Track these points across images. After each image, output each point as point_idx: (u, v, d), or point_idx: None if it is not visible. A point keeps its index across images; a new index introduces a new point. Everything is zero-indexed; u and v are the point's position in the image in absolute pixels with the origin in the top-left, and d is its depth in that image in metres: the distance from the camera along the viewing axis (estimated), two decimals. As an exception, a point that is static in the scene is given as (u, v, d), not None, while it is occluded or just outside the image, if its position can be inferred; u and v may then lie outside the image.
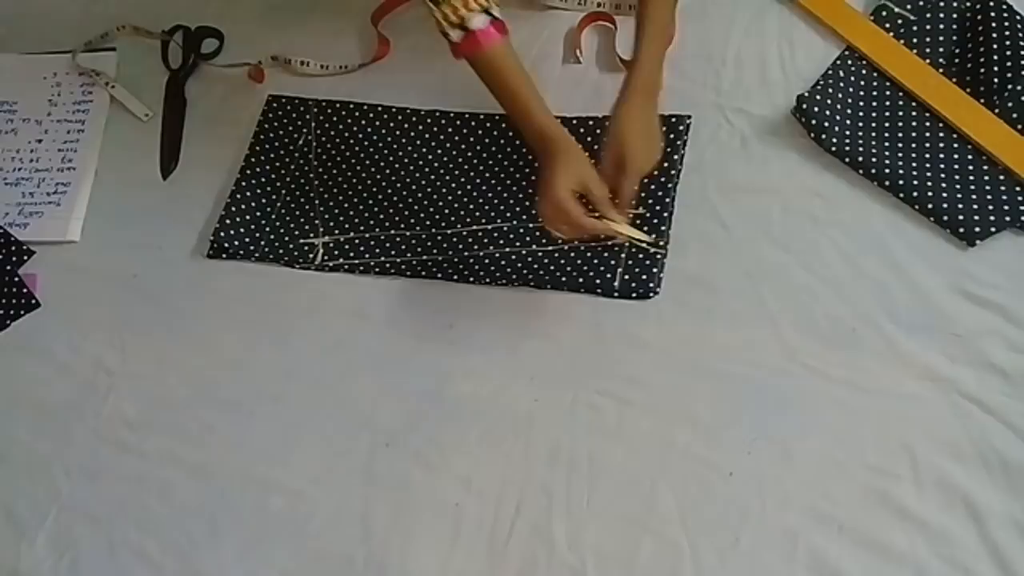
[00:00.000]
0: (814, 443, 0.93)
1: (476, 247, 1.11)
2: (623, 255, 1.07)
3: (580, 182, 0.96)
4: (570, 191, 0.95)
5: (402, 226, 1.15)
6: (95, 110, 1.33)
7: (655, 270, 1.05)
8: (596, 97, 1.18)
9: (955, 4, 1.14)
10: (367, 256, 1.13)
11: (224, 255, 1.17)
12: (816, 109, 1.08)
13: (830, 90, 1.10)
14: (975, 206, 1.01)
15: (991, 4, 1.09)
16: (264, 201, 1.20)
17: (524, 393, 1.02)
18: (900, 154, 1.06)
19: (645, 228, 1.07)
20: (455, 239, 1.13)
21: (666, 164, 1.10)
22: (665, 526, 0.92)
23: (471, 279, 1.09)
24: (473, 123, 1.19)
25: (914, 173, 1.04)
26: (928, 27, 1.13)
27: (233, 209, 1.19)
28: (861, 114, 1.10)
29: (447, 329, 1.07)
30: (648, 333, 1.02)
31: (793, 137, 1.10)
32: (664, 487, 0.94)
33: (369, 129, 1.23)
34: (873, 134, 1.08)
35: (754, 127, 1.12)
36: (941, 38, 1.12)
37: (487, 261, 1.10)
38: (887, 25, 1.14)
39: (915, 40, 1.12)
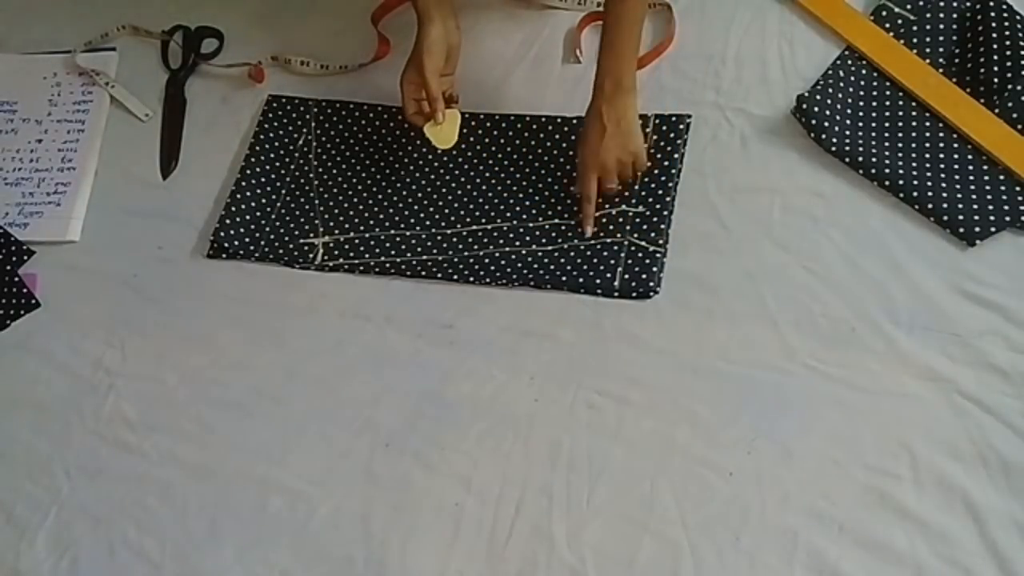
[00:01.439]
0: (814, 443, 0.93)
1: (476, 247, 1.11)
2: (623, 255, 1.07)
3: (421, 75, 1.07)
4: (412, 79, 1.09)
5: (402, 226, 1.15)
6: (95, 110, 1.33)
7: (655, 270, 1.05)
8: (596, 97, 1.18)
9: (955, 4, 1.14)
10: (367, 256, 1.13)
11: (224, 255, 1.17)
12: (816, 109, 1.08)
13: (830, 90, 1.10)
14: (975, 206, 1.01)
15: (991, 4, 1.10)
16: (264, 201, 1.20)
17: (524, 393, 1.01)
18: (900, 154, 1.06)
19: (645, 227, 1.07)
20: (455, 239, 1.13)
21: (666, 164, 1.10)
22: (665, 526, 0.92)
23: (471, 279, 1.09)
24: (473, 123, 1.19)
25: (914, 173, 1.04)
26: (928, 27, 1.13)
27: (233, 209, 1.19)
28: (861, 114, 1.10)
29: (447, 329, 1.07)
30: (648, 333, 1.02)
31: (793, 137, 1.10)
32: (664, 487, 0.94)
33: (369, 129, 1.23)
34: (873, 134, 1.08)
35: (754, 127, 1.12)
36: (941, 38, 1.12)
37: (487, 261, 1.10)
38: (887, 25, 1.14)
39: (915, 40, 1.13)
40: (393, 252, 1.13)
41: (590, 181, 1.07)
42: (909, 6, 1.14)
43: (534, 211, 1.13)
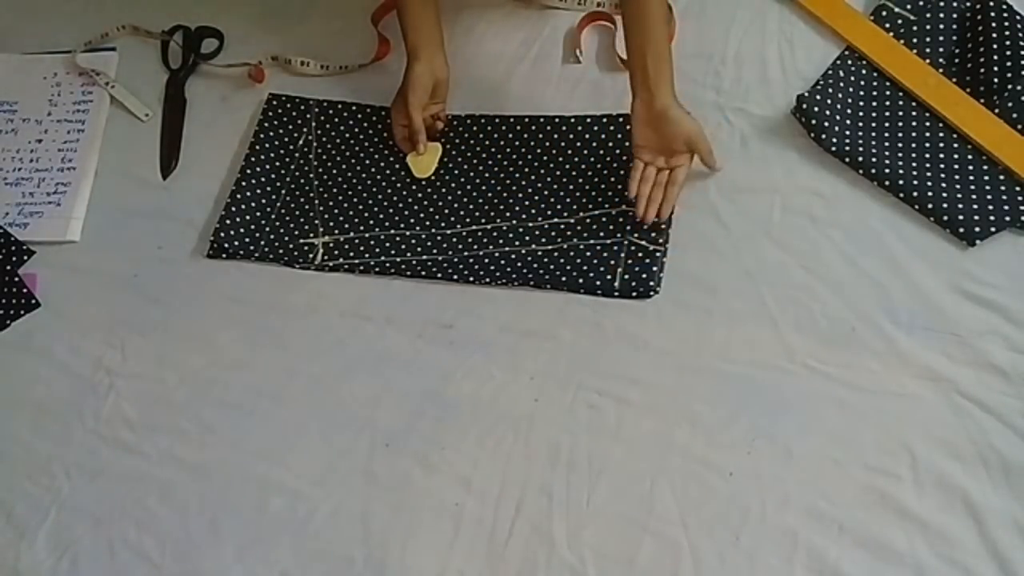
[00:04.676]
0: (814, 443, 0.93)
1: (476, 247, 1.12)
2: (623, 255, 1.07)
3: (405, 109, 1.15)
4: (399, 109, 1.17)
5: (402, 226, 1.16)
6: (95, 110, 1.33)
7: (655, 269, 1.05)
8: (596, 97, 1.18)
9: (955, 4, 1.14)
10: (367, 256, 1.13)
11: (224, 255, 1.17)
12: (816, 109, 1.08)
13: (830, 90, 1.10)
14: (975, 206, 1.01)
15: (991, 4, 1.10)
16: (264, 201, 1.20)
17: (524, 393, 1.02)
18: (900, 154, 1.06)
19: (645, 227, 1.07)
20: (455, 239, 1.13)
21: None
22: (665, 526, 0.92)
23: (471, 279, 1.09)
24: (474, 126, 1.19)
25: (914, 173, 1.04)
26: (928, 27, 1.13)
27: (233, 209, 1.19)
28: (861, 114, 1.10)
29: (447, 329, 1.07)
30: (648, 333, 1.02)
31: (793, 137, 1.10)
32: (664, 487, 0.94)
33: (369, 129, 1.23)
34: (873, 134, 1.08)
35: (754, 127, 1.12)
36: (941, 38, 1.12)
37: (487, 261, 1.10)
38: (887, 25, 1.14)
39: (915, 40, 1.13)
40: (393, 252, 1.13)
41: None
42: (909, 6, 1.14)
43: (534, 211, 1.13)
